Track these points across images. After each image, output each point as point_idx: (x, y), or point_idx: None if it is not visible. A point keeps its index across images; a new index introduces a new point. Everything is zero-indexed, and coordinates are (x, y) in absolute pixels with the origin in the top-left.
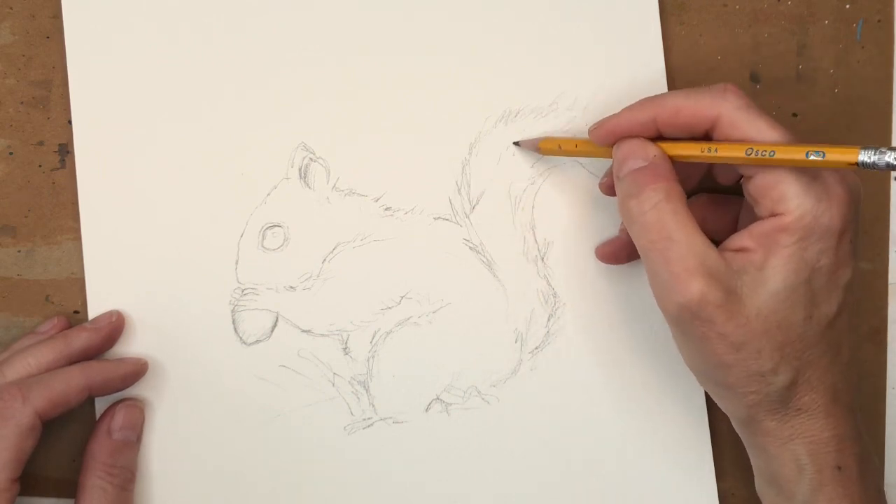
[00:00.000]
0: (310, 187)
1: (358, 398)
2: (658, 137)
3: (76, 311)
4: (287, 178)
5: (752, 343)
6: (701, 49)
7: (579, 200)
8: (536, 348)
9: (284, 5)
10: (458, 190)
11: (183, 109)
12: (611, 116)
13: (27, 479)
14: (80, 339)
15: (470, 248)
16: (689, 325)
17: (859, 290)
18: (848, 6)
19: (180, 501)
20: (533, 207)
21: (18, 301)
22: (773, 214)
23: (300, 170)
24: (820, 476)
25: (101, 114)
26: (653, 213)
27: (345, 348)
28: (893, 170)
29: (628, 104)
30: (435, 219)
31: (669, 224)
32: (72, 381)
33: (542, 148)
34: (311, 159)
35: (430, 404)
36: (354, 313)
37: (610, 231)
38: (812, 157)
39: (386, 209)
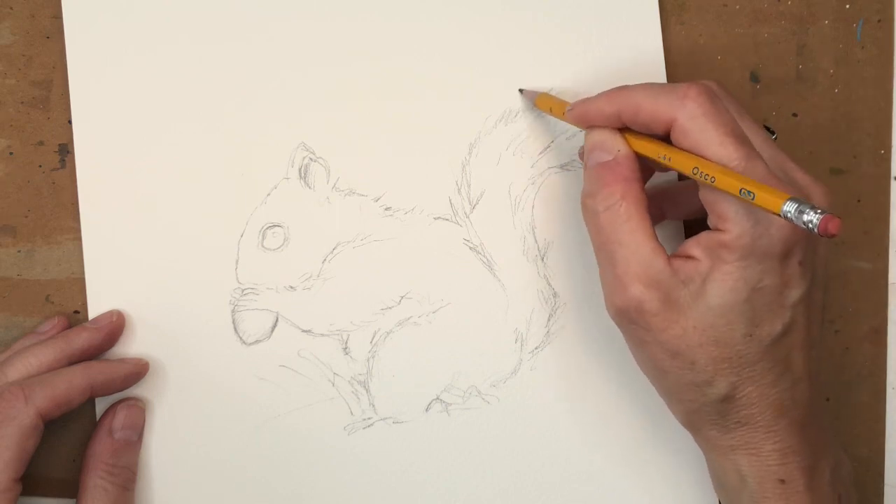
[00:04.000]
0: (310, 187)
1: (358, 398)
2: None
3: (76, 311)
4: (287, 178)
5: (687, 354)
6: (701, 49)
7: (579, 200)
8: (536, 348)
9: (284, 6)
10: (458, 190)
11: (183, 109)
12: (586, 99)
13: (28, 480)
14: (80, 339)
15: (470, 248)
16: (627, 328)
17: (859, 290)
18: (848, 6)
19: (180, 501)
20: (533, 207)
21: (18, 301)
22: (717, 228)
23: (300, 170)
24: (761, 488)
25: (101, 114)
26: (606, 214)
27: (345, 348)
28: (809, 229)
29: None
30: (435, 219)
31: (621, 227)
32: (74, 381)
33: (538, 102)
34: (311, 159)
35: (430, 404)
36: (354, 313)
37: None
38: (744, 196)
39: (386, 209)
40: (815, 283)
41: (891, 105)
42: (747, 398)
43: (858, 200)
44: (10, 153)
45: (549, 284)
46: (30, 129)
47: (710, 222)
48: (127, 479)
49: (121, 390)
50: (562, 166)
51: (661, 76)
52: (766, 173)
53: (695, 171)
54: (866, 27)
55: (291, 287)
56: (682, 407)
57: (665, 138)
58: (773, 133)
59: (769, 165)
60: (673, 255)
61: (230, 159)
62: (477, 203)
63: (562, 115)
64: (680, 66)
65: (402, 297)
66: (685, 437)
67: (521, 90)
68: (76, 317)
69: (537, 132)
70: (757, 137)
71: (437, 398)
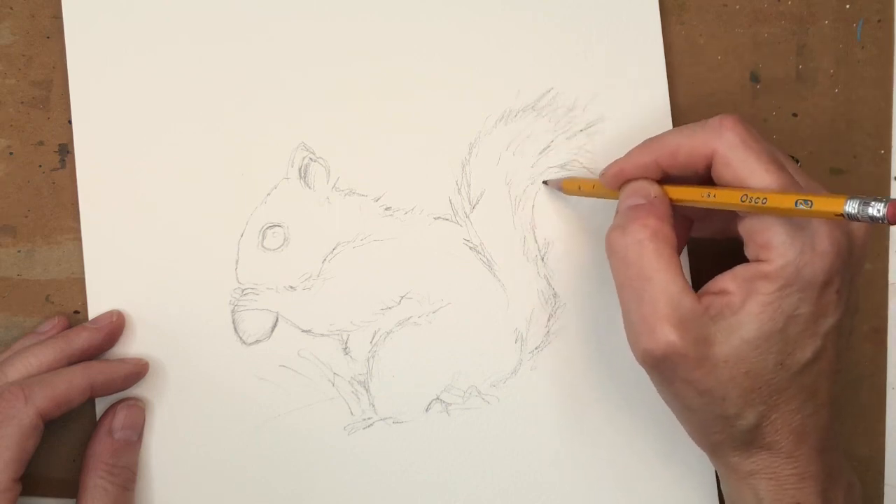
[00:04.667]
0: (310, 187)
1: (358, 398)
2: (666, 179)
3: (76, 311)
4: (287, 178)
5: (718, 390)
6: (701, 49)
7: (579, 200)
8: (536, 348)
9: (284, 6)
10: (458, 190)
11: (183, 109)
12: (618, 160)
13: (28, 479)
14: (80, 339)
15: (470, 248)
16: (655, 370)
17: (859, 290)
18: (848, 6)
19: (180, 501)
20: (533, 207)
21: (18, 301)
22: (758, 259)
23: (300, 170)
24: None
25: (101, 114)
26: (635, 248)
27: (345, 348)
28: (877, 222)
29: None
30: (435, 219)
31: (649, 263)
32: (74, 381)
33: (565, 188)
34: (311, 159)
35: (430, 404)
36: (354, 313)
37: None
38: (800, 207)
39: (386, 209)
40: (848, 311)
41: (891, 105)
42: (772, 426)
43: None
44: (10, 153)
45: (549, 284)
46: (30, 129)
47: (748, 253)
48: (127, 479)
49: (121, 390)
50: (562, 166)
51: (661, 76)
52: None
53: (743, 198)
54: (866, 27)
55: (291, 287)
56: (709, 439)
57: (702, 179)
58: (797, 161)
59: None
60: (702, 292)
61: (230, 159)
62: (477, 203)
63: (592, 190)
64: (680, 67)
65: (402, 297)
66: (686, 437)
67: (544, 182)
68: (76, 317)
69: (537, 132)
70: (789, 165)
71: (437, 398)
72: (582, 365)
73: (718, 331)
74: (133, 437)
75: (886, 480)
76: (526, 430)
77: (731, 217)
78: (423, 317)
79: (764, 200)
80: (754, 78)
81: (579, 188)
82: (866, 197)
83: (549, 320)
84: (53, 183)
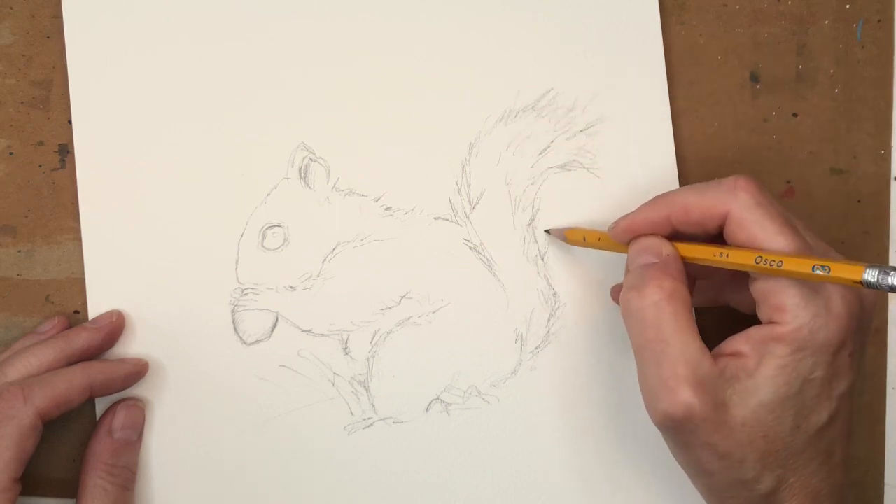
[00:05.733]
0: (310, 187)
1: (358, 398)
2: (675, 235)
3: (76, 311)
4: (287, 178)
5: (736, 453)
6: (701, 49)
7: (580, 200)
8: (536, 348)
9: (284, 6)
10: (458, 190)
11: (183, 109)
12: (628, 214)
13: (28, 479)
14: (80, 339)
15: (470, 248)
16: (672, 432)
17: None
18: (848, 6)
19: (180, 501)
20: (533, 207)
21: (18, 301)
22: (772, 321)
23: (300, 170)
24: None
25: (101, 114)
26: (652, 309)
27: (345, 348)
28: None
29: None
30: (435, 219)
31: (667, 325)
32: (73, 381)
33: (569, 238)
34: (311, 159)
35: (430, 404)
36: (354, 313)
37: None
38: (818, 272)
39: (386, 209)
40: (860, 374)
41: (891, 105)
42: (790, 489)
43: (858, 200)
44: (10, 153)
45: (549, 284)
46: (30, 129)
47: (761, 315)
48: (127, 478)
49: (121, 390)
50: (562, 166)
51: (661, 76)
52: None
53: (758, 260)
54: (866, 27)
55: (291, 287)
56: (728, 503)
57: (711, 238)
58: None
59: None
60: (715, 353)
61: (230, 159)
62: (477, 203)
63: (597, 242)
64: (680, 67)
65: (402, 297)
66: None
67: (547, 231)
68: (76, 317)
69: (537, 132)
70: (799, 226)
71: (437, 398)
72: (582, 365)
73: (735, 393)
74: (133, 437)
75: (886, 480)
76: (526, 430)
77: (724, 285)
78: (423, 317)
79: (780, 263)
80: (754, 78)
81: (584, 239)
82: (885, 266)
83: (549, 320)
84: (53, 183)
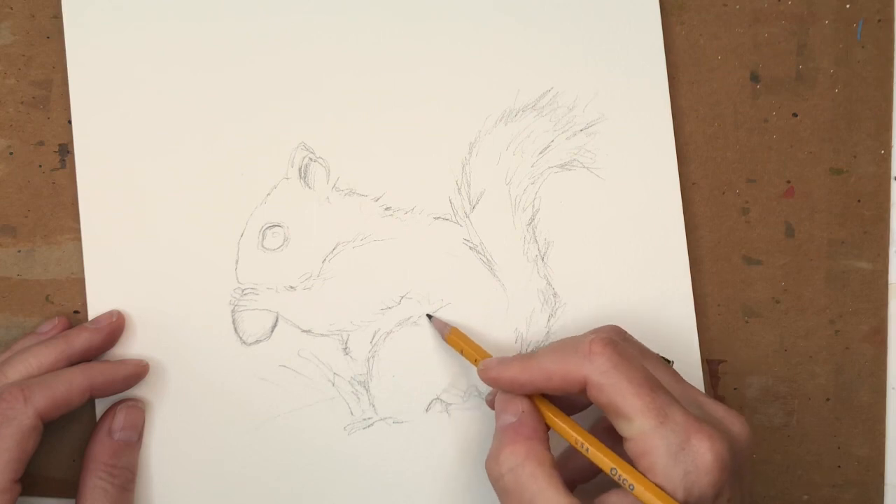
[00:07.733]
0: (310, 187)
1: (358, 398)
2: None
3: (76, 311)
4: (287, 178)
5: None
6: (701, 49)
7: (579, 200)
8: (536, 348)
9: (285, 6)
10: (458, 190)
11: (183, 109)
12: (500, 363)
13: (28, 480)
14: (80, 340)
15: (470, 247)
16: None
17: (859, 290)
18: (848, 6)
19: (180, 501)
20: (533, 207)
21: (18, 301)
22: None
23: (300, 170)
24: None
25: (101, 114)
26: (510, 476)
27: (345, 348)
28: None
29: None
30: (435, 219)
31: (529, 489)
32: (73, 382)
33: (448, 340)
34: (311, 159)
35: (430, 404)
36: (354, 313)
37: (610, 230)
38: (613, 475)
39: (386, 209)
40: None
41: (891, 105)
42: None
43: (858, 200)
44: (10, 153)
45: (550, 284)
46: (30, 129)
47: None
48: (126, 479)
49: (121, 391)
50: (562, 166)
51: (661, 76)
52: (685, 417)
53: (613, 471)
54: (866, 27)
55: (291, 287)
56: None
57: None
58: (670, 362)
59: (683, 404)
60: (597, 503)
61: (230, 159)
62: (477, 203)
63: (473, 362)
64: (680, 67)
65: (402, 297)
66: None
67: (428, 316)
68: (76, 317)
69: (537, 132)
70: (665, 376)
71: (437, 398)
72: None
73: None
74: (133, 438)
75: (886, 480)
76: None
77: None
78: (424, 317)
79: (631, 487)
80: (754, 78)
81: (462, 350)
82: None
83: (549, 320)
84: (53, 183)
